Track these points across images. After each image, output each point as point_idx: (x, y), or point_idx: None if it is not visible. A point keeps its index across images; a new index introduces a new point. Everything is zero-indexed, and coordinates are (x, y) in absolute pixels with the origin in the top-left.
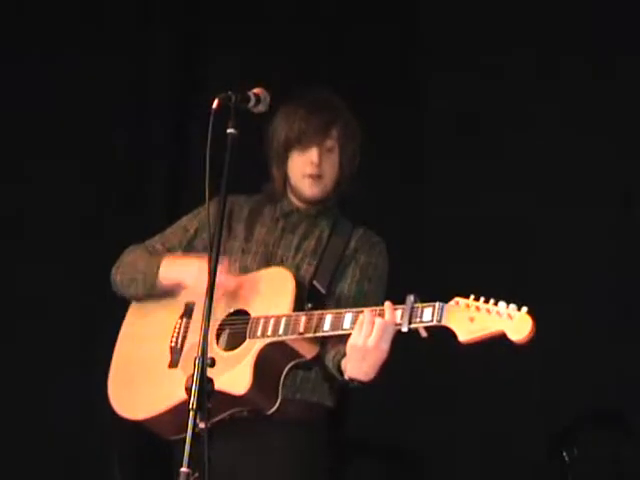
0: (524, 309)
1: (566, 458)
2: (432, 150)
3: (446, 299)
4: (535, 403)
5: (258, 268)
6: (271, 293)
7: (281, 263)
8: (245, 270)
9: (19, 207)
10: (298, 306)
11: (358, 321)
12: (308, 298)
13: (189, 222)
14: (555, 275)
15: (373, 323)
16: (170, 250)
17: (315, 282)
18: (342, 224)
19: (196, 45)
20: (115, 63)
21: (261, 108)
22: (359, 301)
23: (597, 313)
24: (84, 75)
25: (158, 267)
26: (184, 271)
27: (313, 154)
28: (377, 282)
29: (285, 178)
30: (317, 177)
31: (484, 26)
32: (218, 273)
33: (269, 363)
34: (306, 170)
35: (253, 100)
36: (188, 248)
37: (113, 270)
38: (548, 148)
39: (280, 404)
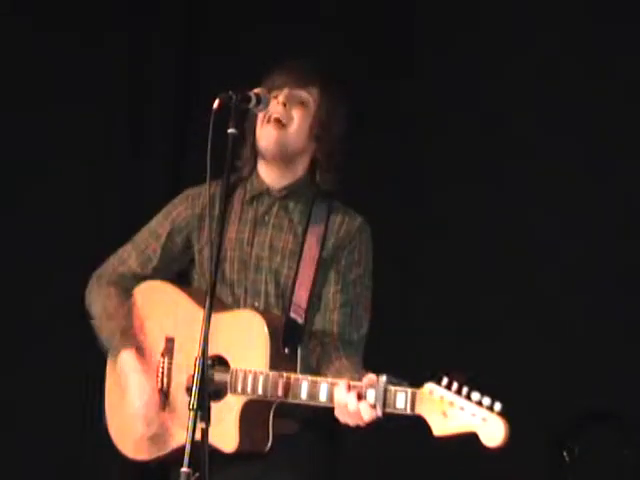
0: (497, 407)
1: (566, 458)
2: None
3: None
4: (535, 403)
5: (238, 277)
6: (246, 343)
7: (257, 268)
8: (224, 282)
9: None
10: (274, 357)
11: (335, 401)
12: (285, 339)
13: (160, 226)
14: (556, 276)
15: (347, 405)
16: (146, 263)
17: (292, 314)
18: (317, 210)
19: (196, 45)
20: (115, 62)
21: (262, 108)
22: (345, 310)
23: (597, 313)
24: (84, 74)
25: (118, 353)
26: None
27: (281, 94)
28: (361, 281)
29: (254, 143)
30: (278, 123)
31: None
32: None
33: (254, 413)
34: (270, 113)
35: (254, 100)
36: (164, 255)
37: (86, 293)
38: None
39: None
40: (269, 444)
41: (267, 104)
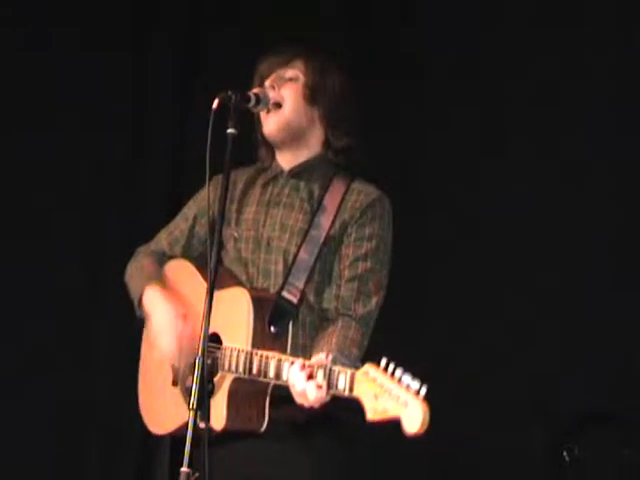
0: (422, 392)
1: (566, 458)
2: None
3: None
4: (535, 403)
5: (252, 257)
6: (234, 321)
7: (268, 247)
8: (240, 262)
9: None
10: (258, 336)
11: (289, 380)
12: (274, 318)
13: (189, 209)
14: (556, 275)
15: (295, 384)
16: (173, 244)
17: (284, 293)
18: (334, 188)
19: (196, 45)
20: (115, 62)
21: (261, 107)
22: (352, 285)
23: (597, 313)
24: (84, 74)
25: (140, 296)
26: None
27: (269, 79)
28: (373, 255)
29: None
30: (275, 105)
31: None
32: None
33: (245, 391)
34: (269, 105)
35: (253, 100)
36: (190, 236)
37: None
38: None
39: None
40: (264, 424)
41: (267, 103)
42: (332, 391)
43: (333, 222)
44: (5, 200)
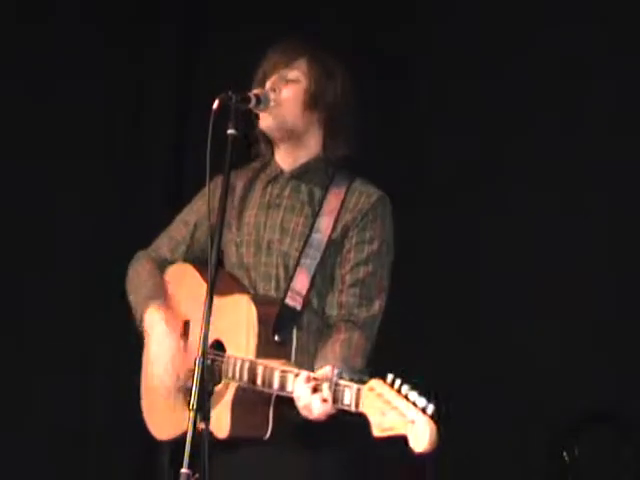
0: (429, 410)
1: (566, 458)
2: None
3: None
4: (535, 403)
5: (254, 261)
6: (238, 329)
7: (269, 251)
8: (242, 267)
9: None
10: (262, 345)
11: (294, 393)
12: (278, 326)
13: (189, 214)
14: (556, 275)
15: (300, 397)
16: (175, 249)
17: (288, 300)
18: (335, 190)
19: (196, 45)
20: (115, 62)
21: (262, 108)
22: (354, 291)
23: (597, 313)
24: (84, 74)
25: (142, 315)
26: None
27: (270, 80)
28: (375, 258)
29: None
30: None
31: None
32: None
33: (250, 399)
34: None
35: (253, 100)
36: (191, 242)
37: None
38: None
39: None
40: (269, 431)
41: (267, 104)
42: (337, 405)
43: (334, 225)
44: (4, 201)
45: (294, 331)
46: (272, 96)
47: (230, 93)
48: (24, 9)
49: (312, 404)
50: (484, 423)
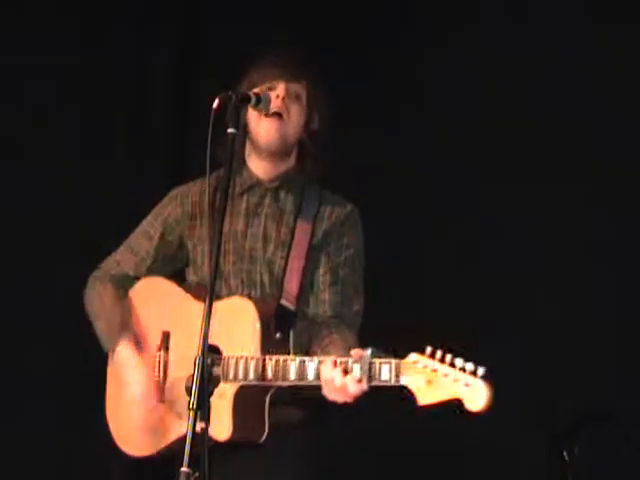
0: (480, 372)
1: (566, 458)
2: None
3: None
4: (535, 403)
5: (234, 269)
6: (238, 330)
7: (251, 259)
8: (218, 275)
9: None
10: (266, 343)
11: (322, 378)
12: (276, 324)
13: (151, 227)
14: (556, 275)
15: (333, 380)
16: (139, 265)
17: (283, 301)
18: (308, 199)
19: (196, 45)
20: (116, 63)
21: (261, 107)
22: (335, 289)
23: (597, 313)
24: (85, 74)
25: (115, 346)
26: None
27: (280, 88)
28: (350, 262)
29: (246, 138)
30: (279, 117)
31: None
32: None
33: (248, 401)
34: (269, 107)
35: (253, 99)
36: (156, 256)
37: (84, 295)
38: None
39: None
40: (265, 434)
41: (267, 103)
42: (374, 382)
43: (313, 232)
44: (3, 201)
45: (291, 331)
46: (274, 100)
47: (230, 92)
48: (25, 9)
49: (347, 385)
50: (484, 423)
